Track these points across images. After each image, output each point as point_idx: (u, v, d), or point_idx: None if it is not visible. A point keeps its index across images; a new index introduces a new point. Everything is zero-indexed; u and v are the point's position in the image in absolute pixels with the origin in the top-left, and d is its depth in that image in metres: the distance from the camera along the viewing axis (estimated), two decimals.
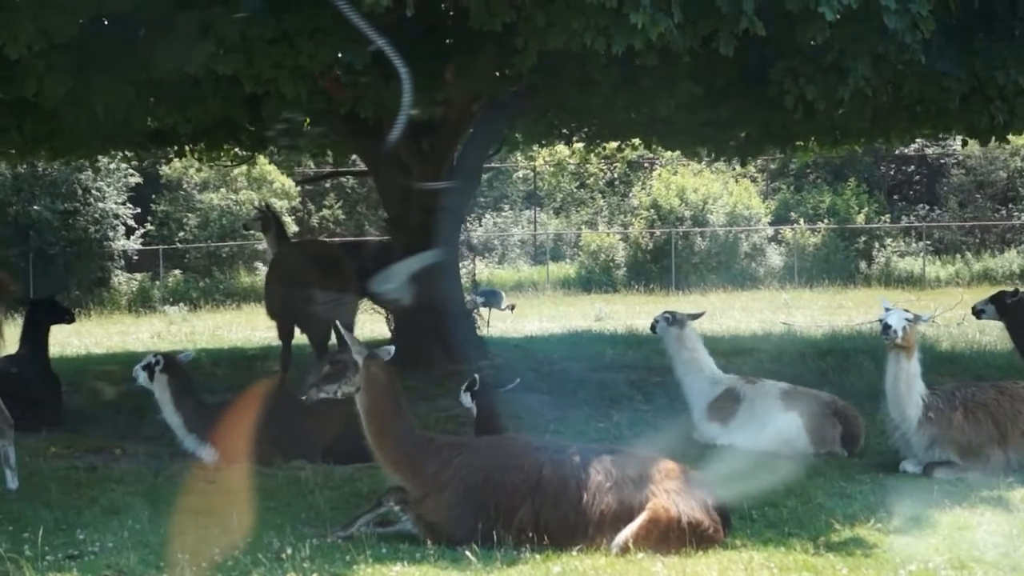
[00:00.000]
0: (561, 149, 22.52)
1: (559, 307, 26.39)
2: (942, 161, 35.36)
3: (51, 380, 10.33)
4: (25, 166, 31.42)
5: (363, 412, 6.45)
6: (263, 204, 10.80)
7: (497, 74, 10.16)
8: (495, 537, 5.99)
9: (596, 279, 33.39)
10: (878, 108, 10.37)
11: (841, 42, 8.13)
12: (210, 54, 7.65)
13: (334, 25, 7.72)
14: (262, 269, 34.55)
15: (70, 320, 11.18)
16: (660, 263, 33.74)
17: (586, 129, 16.21)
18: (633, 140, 16.73)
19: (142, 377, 8.59)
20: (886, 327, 7.28)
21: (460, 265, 15.10)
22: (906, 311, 7.51)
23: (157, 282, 32.39)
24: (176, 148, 14.48)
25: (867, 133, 13.34)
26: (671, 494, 5.95)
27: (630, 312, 23.34)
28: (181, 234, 34.55)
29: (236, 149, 15.95)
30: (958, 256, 33.37)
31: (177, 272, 33.52)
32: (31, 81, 8.25)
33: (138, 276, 32.88)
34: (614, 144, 17.35)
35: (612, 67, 8.96)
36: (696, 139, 13.40)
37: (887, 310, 7.55)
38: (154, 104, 9.21)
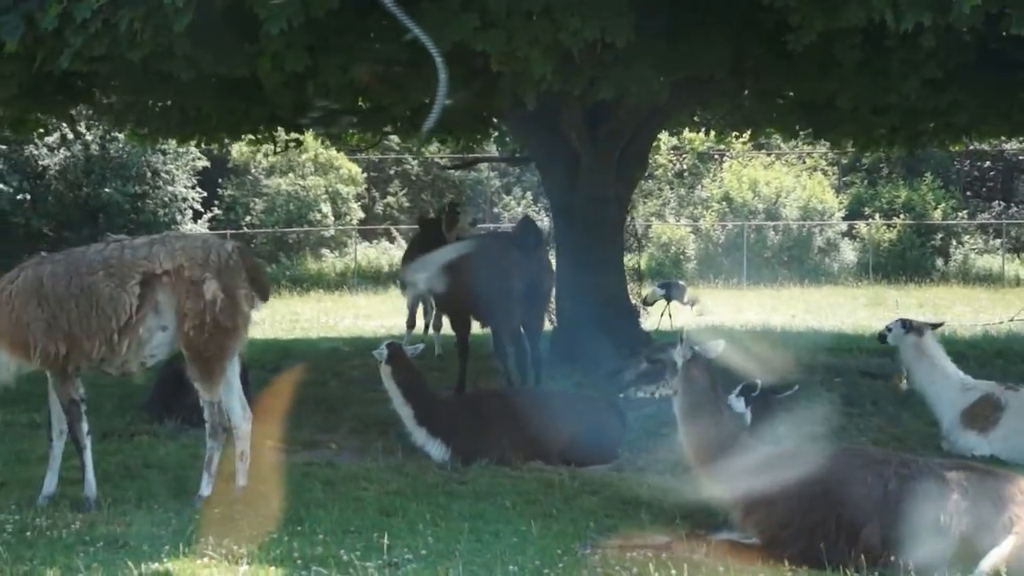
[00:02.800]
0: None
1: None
2: (1021, 157, 34.76)
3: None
4: (97, 148, 31.31)
5: (681, 417, 6.06)
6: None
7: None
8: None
9: (667, 271, 32.96)
10: None
11: None
12: (473, 29, 7.24)
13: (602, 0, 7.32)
14: (328, 256, 34.26)
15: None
16: (731, 256, 33.32)
17: (722, 117, 15.81)
18: (767, 128, 16.27)
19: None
20: None
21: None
22: None
23: None
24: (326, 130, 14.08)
25: None
26: None
27: (731, 307, 22.88)
28: (248, 218, 34.26)
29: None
30: None
31: None
32: (266, 60, 7.86)
33: None
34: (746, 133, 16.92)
35: (856, 49, 8.51)
36: (867, 128, 12.91)
37: None
38: (368, 83, 8.80)
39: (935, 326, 8.89)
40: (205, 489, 6.72)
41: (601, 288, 12.34)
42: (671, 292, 16.09)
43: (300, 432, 9.08)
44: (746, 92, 13.42)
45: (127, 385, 10.56)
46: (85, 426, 6.63)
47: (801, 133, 14.90)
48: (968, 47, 8.89)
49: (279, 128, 13.73)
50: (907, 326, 8.71)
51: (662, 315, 16.53)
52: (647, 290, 16.83)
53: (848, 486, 5.71)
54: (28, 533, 5.90)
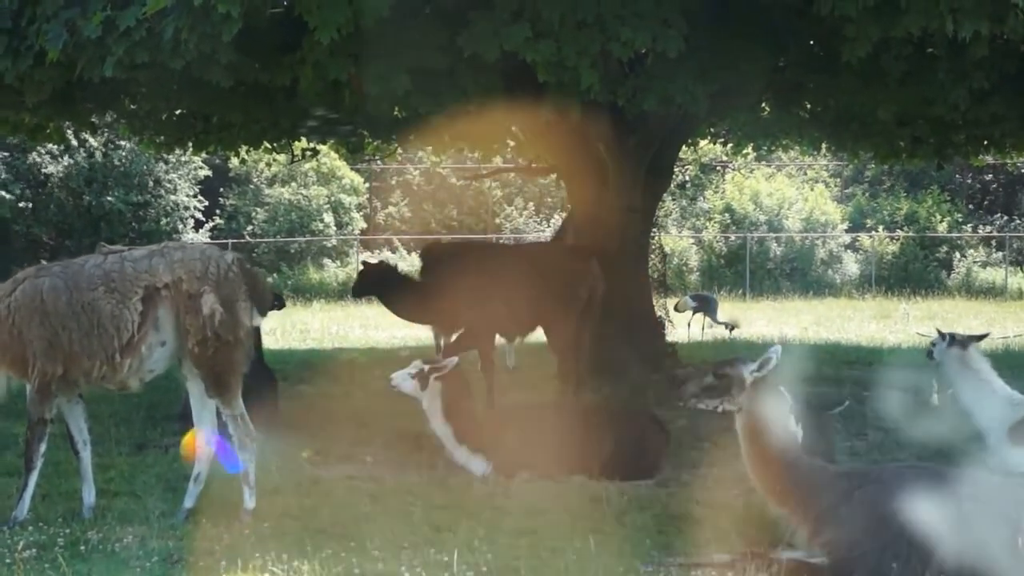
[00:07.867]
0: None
1: None
2: (1023, 171, 34.83)
3: (271, 376, 9.77)
4: (100, 156, 31.16)
5: (743, 435, 5.91)
6: None
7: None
8: None
9: (669, 283, 32.86)
10: None
11: None
12: (524, 39, 7.16)
13: (654, 8, 7.24)
14: (330, 265, 34.11)
15: (280, 306, 10.46)
16: (734, 268, 33.29)
17: (739, 131, 15.80)
18: (783, 140, 16.25)
19: (410, 385, 8.04)
20: None
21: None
22: None
23: None
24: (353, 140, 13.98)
25: None
26: None
27: (739, 320, 22.83)
28: (249, 228, 34.12)
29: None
30: None
31: None
32: (308, 69, 7.77)
33: None
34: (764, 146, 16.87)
35: (903, 59, 8.44)
36: (891, 139, 12.86)
37: None
38: (405, 93, 8.66)
39: (979, 338, 8.74)
40: (249, 502, 6.60)
41: (626, 300, 12.23)
42: (703, 306, 15.95)
43: (334, 445, 8.96)
44: (763, 104, 13.41)
45: (155, 395, 10.51)
46: (43, 447, 6.47)
47: (823, 145, 14.83)
48: (1014, 57, 8.84)
49: (302, 138, 13.64)
50: (950, 339, 8.58)
51: (689, 327, 16.40)
52: (678, 300, 16.78)
53: (921, 505, 5.59)
54: (82, 547, 5.79)
